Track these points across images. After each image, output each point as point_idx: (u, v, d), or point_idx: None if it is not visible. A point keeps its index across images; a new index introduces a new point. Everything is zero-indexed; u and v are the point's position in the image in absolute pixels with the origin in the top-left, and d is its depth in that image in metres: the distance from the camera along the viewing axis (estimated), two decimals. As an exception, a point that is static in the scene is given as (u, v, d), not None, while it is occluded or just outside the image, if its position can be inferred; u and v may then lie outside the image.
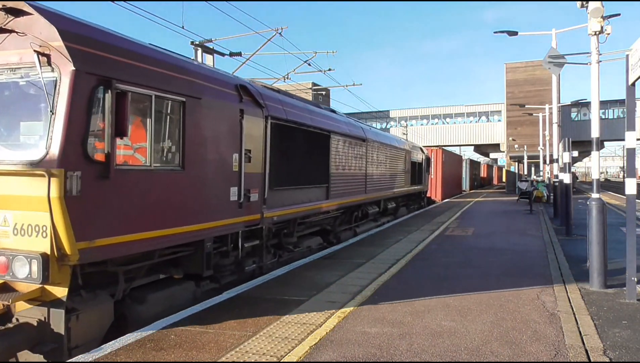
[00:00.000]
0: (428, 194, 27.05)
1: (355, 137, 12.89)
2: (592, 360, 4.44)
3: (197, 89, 6.26)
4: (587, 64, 8.65)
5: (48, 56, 4.59)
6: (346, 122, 12.87)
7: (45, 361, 4.65)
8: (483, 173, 63.19)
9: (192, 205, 6.08)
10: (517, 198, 28.73)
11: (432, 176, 28.47)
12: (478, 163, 60.35)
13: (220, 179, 6.72)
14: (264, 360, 4.42)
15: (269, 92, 8.83)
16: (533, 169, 46.76)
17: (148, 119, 5.52)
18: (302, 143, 9.57)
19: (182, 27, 13.13)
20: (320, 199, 10.53)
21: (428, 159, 25.38)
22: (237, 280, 7.60)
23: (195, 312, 5.87)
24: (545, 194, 27.74)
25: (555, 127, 22.81)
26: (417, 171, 21.71)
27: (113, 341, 4.90)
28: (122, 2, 11.25)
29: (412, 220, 17.58)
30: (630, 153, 6.64)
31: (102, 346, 4.77)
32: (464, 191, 43.33)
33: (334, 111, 13.00)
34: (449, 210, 21.81)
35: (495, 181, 71.50)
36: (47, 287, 4.65)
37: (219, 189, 6.72)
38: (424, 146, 27.90)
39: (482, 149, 59.20)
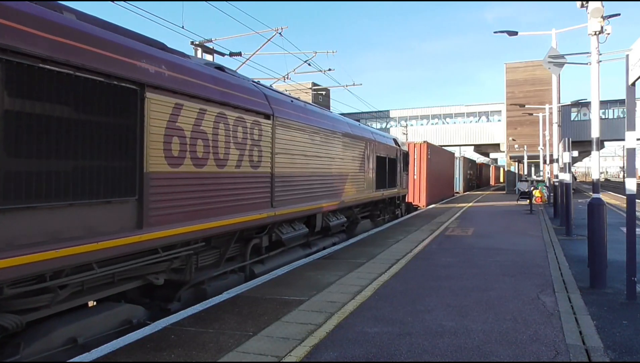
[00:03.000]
0: (409, 199, 22.66)
1: (241, 108, 7.36)
2: (592, 360, 4.44)
3: None
4: (587, 64, 8.68)
5: None
6: (217, 78, 6.98)
7: (46, 361, 4.63)
8: (479, 172, 60.87)
9: None
10: (516, 200, 28.70)
11: (415, 177, 24.63)
12: (473, 161, 58.13)
13: None
14: (264, 360, 4.42)
15: None
16: (533, 169, 46.75)
17: None
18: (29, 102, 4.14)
19: (182, 27, 13.14)
20: (115, 231, 5.04)
21: (406, 155, 20.66)
22: None
23: (195, 312, 5.87)
24: (546, 195, 27.63)
25: (555, 127, 22.86)
26: (389, 170, 16.77)
27: (113, 341, 4.89)
28: (122, 2, 11.26)
29: (411, 221, 17.59)
30: (630, 153, 6.65)
31: (101, 346, 4.75)
32: (457, 193, 39.84)
33: (214, 66, 7.61)
34: (442, 215, 21.79)
35: (492, 182, 70.41)
36: None
37: None
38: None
39: (482, 149, 59.13)
